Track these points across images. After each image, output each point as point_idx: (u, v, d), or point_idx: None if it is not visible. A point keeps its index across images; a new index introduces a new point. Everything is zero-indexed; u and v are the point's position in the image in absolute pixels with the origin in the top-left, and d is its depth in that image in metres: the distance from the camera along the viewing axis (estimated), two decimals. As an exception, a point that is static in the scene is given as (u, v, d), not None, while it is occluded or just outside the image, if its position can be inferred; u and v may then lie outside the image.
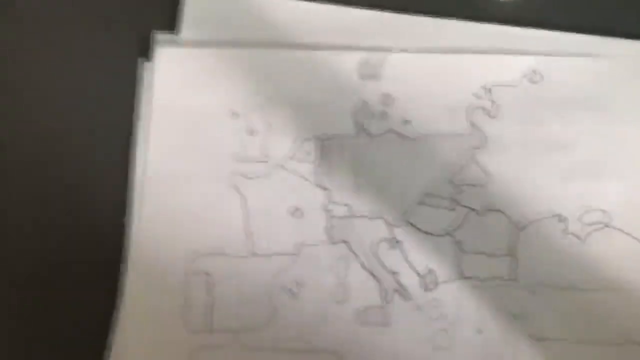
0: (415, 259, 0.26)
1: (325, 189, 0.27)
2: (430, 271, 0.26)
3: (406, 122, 0.27)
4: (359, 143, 0.27)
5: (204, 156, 0.27)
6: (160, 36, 0.28)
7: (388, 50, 0.29)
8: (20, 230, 0.26)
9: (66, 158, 0.27)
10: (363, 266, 0.26)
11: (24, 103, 0.28)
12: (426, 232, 0.26)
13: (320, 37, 0.29)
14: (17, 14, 0.29)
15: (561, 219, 0.26)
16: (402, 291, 0.26)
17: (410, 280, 0.26)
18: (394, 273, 0.26)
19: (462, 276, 0.26)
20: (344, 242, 0.26)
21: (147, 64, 0.28)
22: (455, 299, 0.25)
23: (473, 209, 0.27)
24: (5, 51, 0.28)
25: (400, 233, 0.26)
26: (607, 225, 0.26)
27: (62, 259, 0.26)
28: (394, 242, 0.26)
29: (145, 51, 0.28)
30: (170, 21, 0.28)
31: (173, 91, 0.27)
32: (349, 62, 0.28)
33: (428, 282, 0.26)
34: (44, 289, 0.26)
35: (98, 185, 0.27)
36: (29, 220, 0.27)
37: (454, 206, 0.27)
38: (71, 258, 0.26)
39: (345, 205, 0.27)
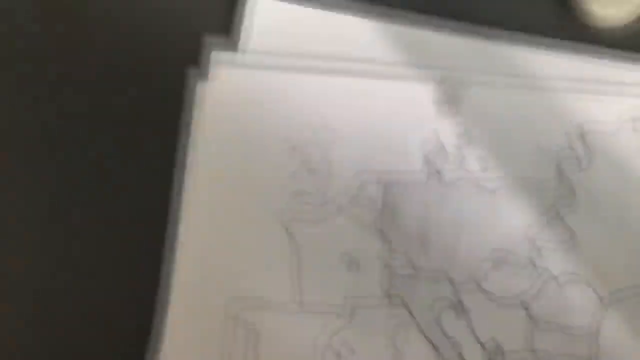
0: (481, 328, 0.23)
1: (387, 240, 0.24)
2: (497, 346, 0.23)
3: (485, 167, 0.24)
4: (429, 189, 0.24)
5: (256, 192, 0.25)
6: (216, 55, 0.25)
7: (470, 82, 0.25)
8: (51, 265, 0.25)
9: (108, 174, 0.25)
10: (422, 333, 0.23)
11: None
12: (497, 299, 0.23)
13: (393, 62, 0.26)
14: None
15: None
16: (464, 364, 0.23)
17: (473, 353, 0.23)
18: (457, 345, 0.23)
19: (531, 349, 0.23)
20: (404, 304, 0.23)
21: (200, 83, 0.25)
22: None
23: (553, 276, 0.24)
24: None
25: (467, 298, 0.24)
26: None
27: (98, 294, 0.25)
28: (460, 309, 0.23)
29: (194, 57, 0.25)
30: (222, 24, 0.26)
31: (227, 115, 0.25)
32: (425, 92, 0.25)
33: (493, 356, 0.23)
34: (81, 333, 0.24)
35: (135, 223, 0.25)
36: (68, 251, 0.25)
37: (532, 271, 0.24)
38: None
39: (408, 260, 0.24)
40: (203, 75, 0.25)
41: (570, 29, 0.27)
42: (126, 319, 0.24)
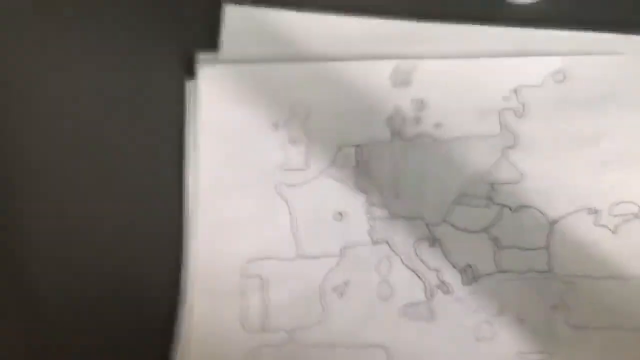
0: (454, 255, 0.27)
1: (365, 192, 0.28)
2: (469, 266, 0.27)
3: (438, 125, 0.29)
4: (394, 147, 0.29)
5: (251, 167, 0.28)
6: (202, 56, 0.30)
7: (419, 57, 0.30)
8: (76, 245, 0.28)
9: (117, 179, 0.29)
10: (405, 265, 0.27)
11: (72, 123, 0.29)
12: (464, 230, 0.28)
13: (353, 49, 0.30)
14: (65, 36, 0.30)
15: (592, 212, 0.27)
16: (443, 287, 0.27)
17: (451, 276, 0.27)
18: (435, 270, 0.27)
19: (500, 270, 0.27)
20: (386, 242, 0.28)
21: (190, 83, 0.30)
22: (495, 292, 0.27)
23: (508, 206, 0.28)
24: (53, 73, 0.30)
25: (439, 232, 0.28)
26: (637, 217, 0.28)
27: (123, 269, 0.28)
28: (433, 241, 0.27)
29: (191, 71, 0.30)
30: (214, 41, 0.30)
31: (217, 107, 0.29)
32: (382, 71, 0.30)
33: (468, 276, 0.27)
34: (106, 296, 0.28)
35: (154, 200, 0.29)
36: (86, 236, 0.28)
37: (489, 204, 0.28)
38: (132, 267, 0.28)
39: (385, 207, 0.28)
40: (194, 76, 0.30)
41: (495, 8, 0.32)
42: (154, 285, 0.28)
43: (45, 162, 0.29)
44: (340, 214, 0.28)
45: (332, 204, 0.28)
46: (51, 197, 0.28)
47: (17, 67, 0.30)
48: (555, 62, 0.30)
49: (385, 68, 0.30)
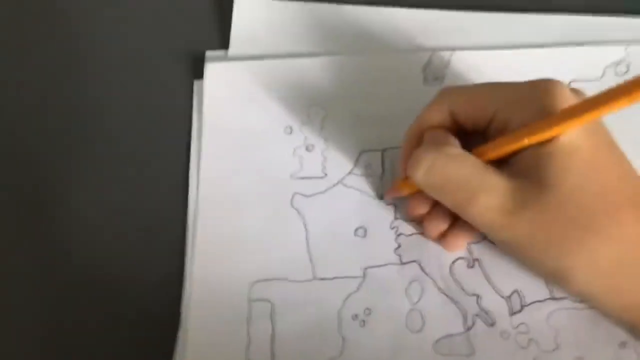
0: (497, 279, 0.23)
1: (390, 204, 0.24)
2: (516, 292, 0.23)
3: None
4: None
5: (261, 175, 0.25)
6: (210, 53, 0.27)
7: (453, 49, 0.26)
8: (78, 256, 0.25)
9: (124, 184, 0.26)
10: (439, 289, 0.23)
11: (86, 124, 0.27)
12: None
13: (380, 42, 0.27)
14: (79, 40, 0.29)
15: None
16: (485, 316, 0.23)
17: (493, 303, 0.23)
18: (475, 295, 0.23)
19: (553, 297, 0.23)
20: (416, 262, 0.24)
21: (197, 82, 0.27)
22: (548, 323, 0.22)
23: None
24: (66, 73, 0.28)
25: (478, 249, 0.23)
26: None
27: (123, 280, 0.25)
28: (473, 261, 0.23)
29: (201, 71, 0.27)
30: (227, 42, 0.28)
31: (224, 107, 0.26)
32: (413, 65, 0.26)
33: (514, 304, 0.23)
34: (106, 317, 0.25)
35: (159, 209, 0.26)
36: (86, 243, 0.26)
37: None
38: (133, 273, 0.25)
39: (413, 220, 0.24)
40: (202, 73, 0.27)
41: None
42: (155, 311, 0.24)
43: (52, 163, 0.27)
44: (363, 229, 0.24)
45: (353, 218, 0.24)
46: (52, 202, 0.26)
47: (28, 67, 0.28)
48: (616, 52, 0.26)
49: (417, 63, 0.26)
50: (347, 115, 0.26)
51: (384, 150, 0.25)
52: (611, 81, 0.25)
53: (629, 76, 0.25)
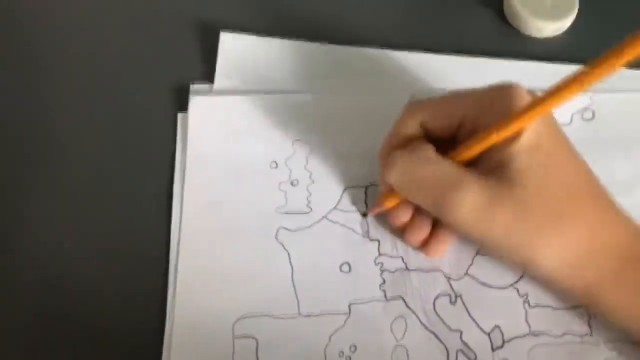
0: (479, 313, 0.24)
1: (375, 240, 0.25)
2: (497, 327, 0.23)
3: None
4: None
5: (245, 209, 0.25)
6: (195, 86, 0.27)
7: (434, 89, 0.27)
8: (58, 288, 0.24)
9: (105, 217, 0.26)
10: (423, 324, 0.23)
11: (69, 154, 0.27)
12: (488, 285, 0.24)
13: (365, 80, 0.28)
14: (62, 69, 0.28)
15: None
16: (467, 351, 0.23)
17: (475, 338, 0.23)
18: (457, 331, 0.23)
19: (532, 332, 0.23)
20: (400, 298, 0.24)
21: (181, 115, 0.27)
22: (529, 359, 0.23)
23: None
24: (50, 106, 0.28)
25: (460, 285, 0.24)
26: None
27: (103, 318, 0.24)
28: (454, 296, 0.24)
29: (185, 104, 0.27)
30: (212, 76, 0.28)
31: (208, 140, 0.26)
32: (396, 105, 0.27)
33: (495, 340, 0.23)
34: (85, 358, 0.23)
35: (141, 242, 0.25)
36: (64, 280, 0.25)
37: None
38: (113, 310, 0.24)
39: (399, 257, 0.24)
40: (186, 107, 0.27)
41: (513, 42, 0.30)
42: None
43: (34, 197, 0.26)
44: (348, 264, 0.24)
45: (338, 253, 0.24)
46: (37, 234, 0.25)
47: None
48: (582, 100, 0.28)
49: (400, 102, 0.27)
50: (331, 151, 0.26)
51: (367, 187, 0.26)
52: (579, 127, 0.27)
53: (595, 122, 0.27)
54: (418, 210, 0.24)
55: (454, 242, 0.24)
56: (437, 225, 0.24)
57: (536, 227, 0.20)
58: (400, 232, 0.24)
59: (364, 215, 0.25)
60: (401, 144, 0.23)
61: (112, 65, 0.29)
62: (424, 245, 0.24)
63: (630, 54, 0.16)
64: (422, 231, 0.24)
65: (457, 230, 0.22)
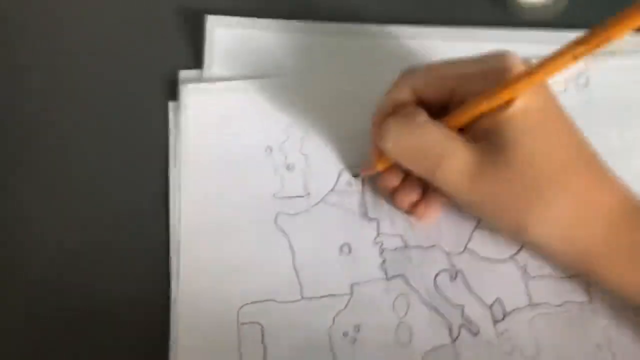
0: (479, 288, 0.24)
1: (373, 219, 0.25)
2: (497, 300, 0.24)
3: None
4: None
5: (243, 196, 0.25)
6: (184, 73, 0.27)
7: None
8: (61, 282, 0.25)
9: (102, 210, 0.26)
10: (424, 301, 0.24)
11: (60, 148, 0.27)
12: (488, 259, 0.24)
13: (356, 58, 0.27)
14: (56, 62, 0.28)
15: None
16: (469, 326, 0.23)
17: (477, 312, 0.24)
18: (458, 306, 0.24)
19: (532, 303, 0.24)
20: (401, 276, 0.24)
21: (172, 103, 0.27)
22: (529, 330, 0.23)
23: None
24: (40, 96, 0.27)
25: (460, 261, 0.24)
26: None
27: (109, 309, 0.24)
28: (454, 272, 0.24)
29: (175, 92, 0.27)
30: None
31: (202, 129, 0.26)
32: (390, 82, 0.26)
33: (496, 312, 0.24)
34: (92, 347, 0.24)
35: (140, 234, 0.25)
36: (65, 273, 0.25)
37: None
38: (118, 302, 0.24)
39: (398, 235, 0.25)
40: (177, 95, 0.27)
41: (505, 12, 0.29)
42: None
43: (28, 190, 0.26)
44: (348, 245, 0.24)
45: (337, 235, 0.25)
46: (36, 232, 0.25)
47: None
48: (577, 65, 0.27)
49: (392, 77, 0.27)
50: (326, 133, 0.26)
51: (363, 166, 0.26)
52: (573, 93, 0.27)
53: (590, 89, 0.27)
54: (408, 174, 0.24)
55: (444, 206, 0.24)
56: (427, 189, 0.24)
57: (525, 193, 0.20)
58: (390, 196, 0.24)
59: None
60: (394, 109, 0.23)
61: (99, 56, 0.28)
62: (413, 209, 0.24)
63: (629, 26, 0.16)
64: (412, 193, 0.24)
65: (447, 194, 0.22)
